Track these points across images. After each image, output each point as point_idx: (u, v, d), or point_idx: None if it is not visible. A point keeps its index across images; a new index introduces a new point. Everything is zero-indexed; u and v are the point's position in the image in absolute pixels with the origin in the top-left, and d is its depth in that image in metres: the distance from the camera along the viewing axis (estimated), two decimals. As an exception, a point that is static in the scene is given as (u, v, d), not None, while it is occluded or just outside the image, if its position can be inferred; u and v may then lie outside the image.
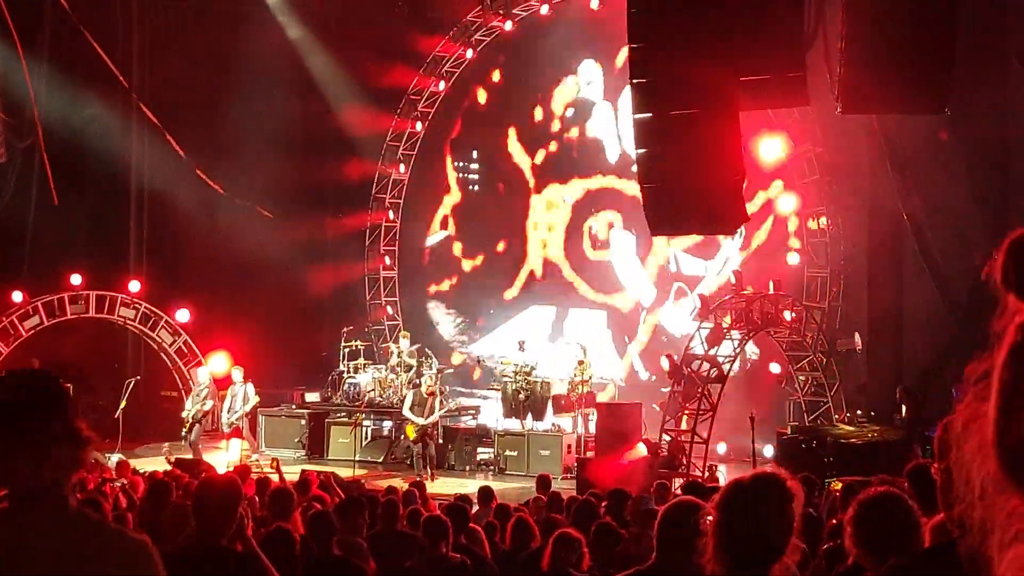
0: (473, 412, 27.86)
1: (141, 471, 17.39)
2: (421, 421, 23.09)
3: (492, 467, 24.36)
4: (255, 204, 29.93)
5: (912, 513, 4.91)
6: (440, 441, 25.24)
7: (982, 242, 21.57)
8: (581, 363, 24.96)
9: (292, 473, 17.46)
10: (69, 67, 27.93)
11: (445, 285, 32.62)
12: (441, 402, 24.02)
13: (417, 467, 23.07)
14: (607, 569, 8.88)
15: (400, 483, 18.02)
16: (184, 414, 23.89)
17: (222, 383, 24.77)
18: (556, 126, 30.82)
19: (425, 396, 23.41)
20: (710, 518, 3.95)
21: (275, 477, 15.35)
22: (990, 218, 21.42)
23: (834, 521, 9.48)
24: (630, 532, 10.07)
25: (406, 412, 23.52)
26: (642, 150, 13.16)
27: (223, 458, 22.41)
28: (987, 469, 1.50)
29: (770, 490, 3.87)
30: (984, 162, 21.65)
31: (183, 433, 23.83)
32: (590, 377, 24.99)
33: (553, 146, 30.89)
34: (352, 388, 27.06)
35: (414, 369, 26.95)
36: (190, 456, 21.95)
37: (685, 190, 13.03)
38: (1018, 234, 1.54)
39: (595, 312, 29.88)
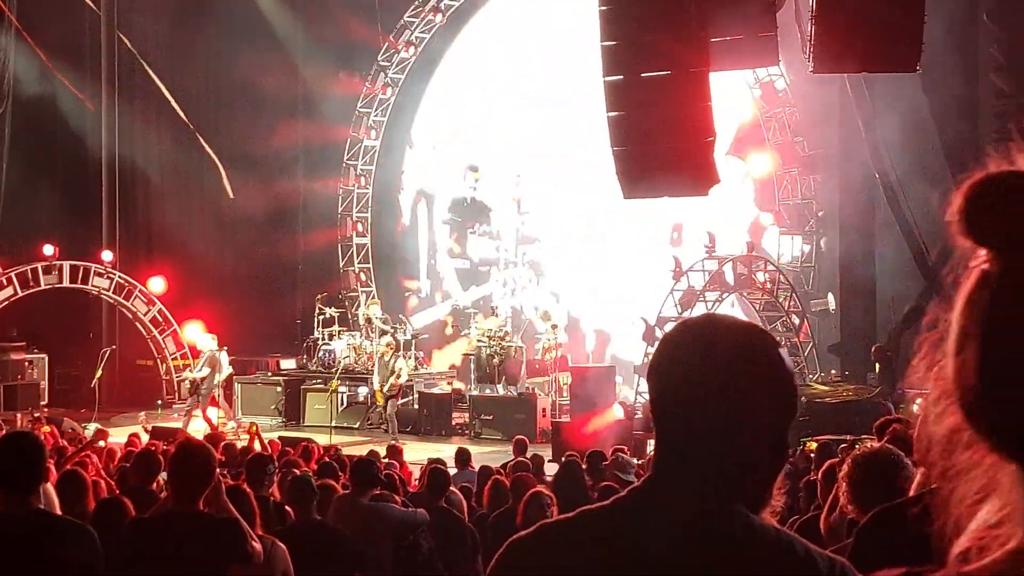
0: (449, 378, 27.90)
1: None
2: (376, 387, 23.54)
3: (467, 431, 24.36)
4: (227, 170, 29.81)
5: (908, 468, 4.90)
6: (416, 406, 25.26)
7: (952, 200, 21.63)
8: (555, 327, 24.95)
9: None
10: (39, 34, 27.71)
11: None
12: (402, 364, 24.05)
13: (391, 431, 23.02)
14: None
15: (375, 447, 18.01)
16: (184, 376, 23.90)
17: (196, 351, 24.74)
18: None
19: (387, 361, 23.60)
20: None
21: (256, 444, 15.25)
22: (960, 176, 21.42)
23: (809, 479, 9.52)
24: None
25: (374, 379, 23.87)
26: (613, 113, 13.15)
27: (199, 425, 22.39)
28: (949, 421, 1.48)
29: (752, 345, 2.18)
30: (954, 118, 21.68)
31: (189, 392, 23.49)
32: (560, 344, 25.05)
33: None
34: (327, 355, 27.10)
35: (389, 335, 26.98)
36: (165, 425, 21.90)
37: (657, 152, 13.05)
38: (975, 179, 1.53)
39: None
